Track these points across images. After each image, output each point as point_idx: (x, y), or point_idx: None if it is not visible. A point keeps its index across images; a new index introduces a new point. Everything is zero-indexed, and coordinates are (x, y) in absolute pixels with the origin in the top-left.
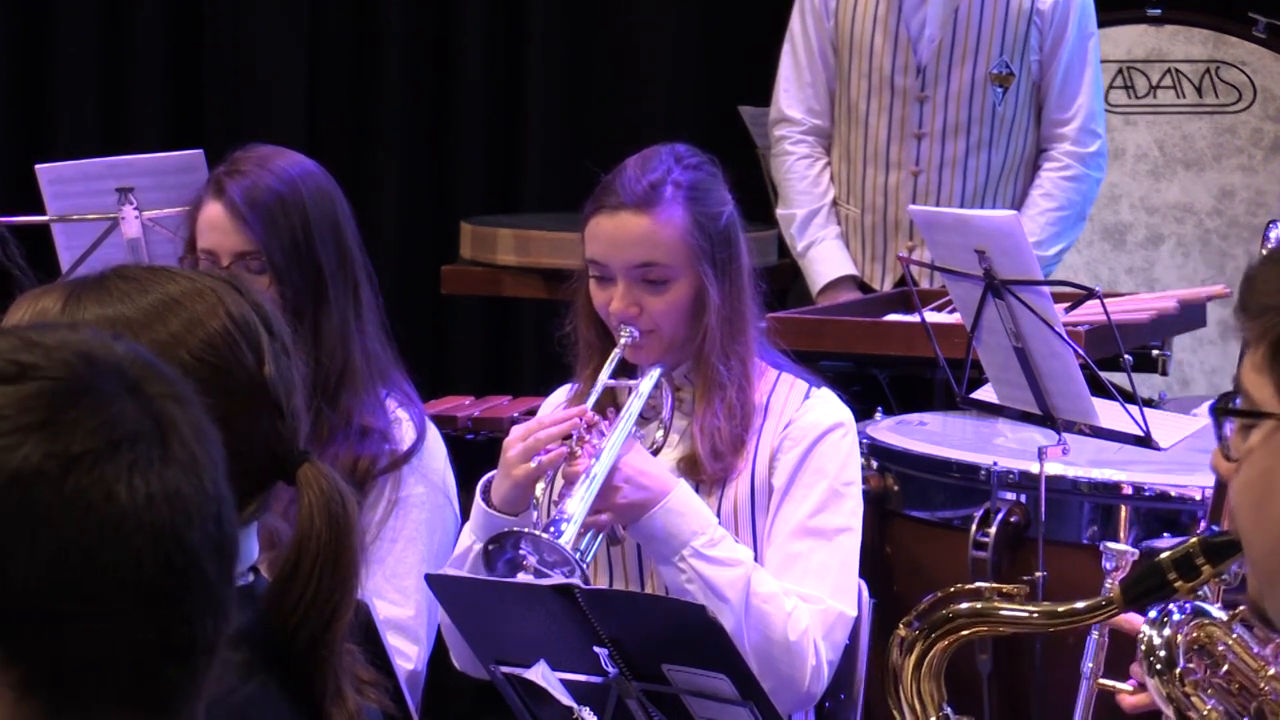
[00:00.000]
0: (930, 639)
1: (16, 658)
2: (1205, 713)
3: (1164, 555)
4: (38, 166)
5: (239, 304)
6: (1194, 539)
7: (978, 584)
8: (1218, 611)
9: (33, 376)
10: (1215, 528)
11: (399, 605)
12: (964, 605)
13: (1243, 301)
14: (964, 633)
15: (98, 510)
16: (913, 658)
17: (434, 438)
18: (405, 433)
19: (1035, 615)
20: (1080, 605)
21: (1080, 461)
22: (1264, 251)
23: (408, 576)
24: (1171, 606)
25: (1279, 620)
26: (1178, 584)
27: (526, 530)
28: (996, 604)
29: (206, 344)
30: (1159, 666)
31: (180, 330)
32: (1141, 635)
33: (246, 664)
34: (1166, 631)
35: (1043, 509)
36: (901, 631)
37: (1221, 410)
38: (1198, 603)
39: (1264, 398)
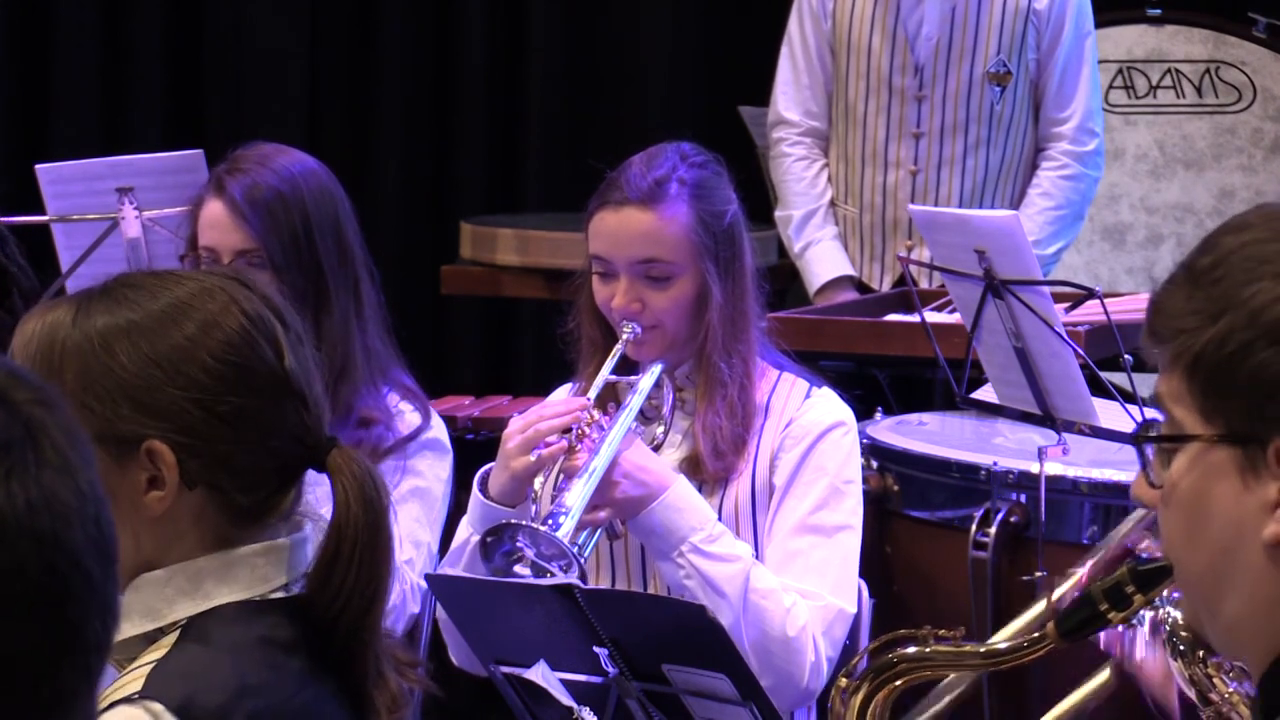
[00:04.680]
0: (872, 686)
1: None
2: (1227, 695)
3: (1095, 585)
4: (38, 166)
5: (251, 300)
6: (1123, 568)
7: (914, 629)
8: None
9: None
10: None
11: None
12: (910, 650)
13: (1150, 329)
14: (906, 679)
15: None
16: (856, 702)
17: (439, 426)
18: (410, 421)
19: (977, 656)
20: (1022, 642)
21: (1080, 461)
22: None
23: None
24: None
25: (1218, 643)
26: (1111, 614)
27: (525, 523)
28: (936, 648)
29: (226, 344)
30: (1182, 649)
31: (196, 333)
32: (1165, 618)
33: (303, 671)
34: None
35: (1043, 509)
36: (842, 682)
37: (1143, 437)
38: None
39: (1185, 420)
